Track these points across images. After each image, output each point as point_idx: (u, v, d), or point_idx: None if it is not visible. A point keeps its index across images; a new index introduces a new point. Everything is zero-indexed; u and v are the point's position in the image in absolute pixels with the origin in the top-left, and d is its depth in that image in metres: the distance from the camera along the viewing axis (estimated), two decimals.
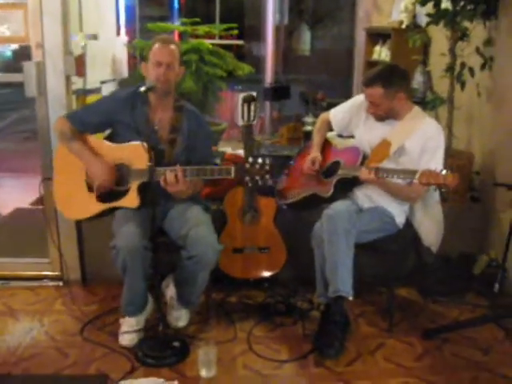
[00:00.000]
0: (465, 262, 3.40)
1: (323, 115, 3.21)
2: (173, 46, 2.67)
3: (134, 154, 2.59)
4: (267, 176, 2.45)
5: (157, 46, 2.66)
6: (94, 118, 2.74)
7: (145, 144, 2.49)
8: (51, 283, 3.36)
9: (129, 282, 2.65)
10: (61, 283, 3.35)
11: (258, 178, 2.45)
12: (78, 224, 3.29)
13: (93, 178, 2.68)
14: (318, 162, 2.95)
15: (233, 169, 2.50)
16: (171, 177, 2.51)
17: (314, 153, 3.01)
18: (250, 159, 2.45)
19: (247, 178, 2.46)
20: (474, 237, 3.47)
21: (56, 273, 3.37)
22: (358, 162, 2.81)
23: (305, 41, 11.08)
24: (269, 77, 5.76)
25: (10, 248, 3.66)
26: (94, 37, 3.56)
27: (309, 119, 4.70)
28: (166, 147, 2.72)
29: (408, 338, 2.85)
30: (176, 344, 2.69)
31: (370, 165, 2.73)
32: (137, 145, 2.58)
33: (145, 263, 2.58)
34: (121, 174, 2.68)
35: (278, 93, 5.15)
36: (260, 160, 2.45)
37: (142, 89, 2.49)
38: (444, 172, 2.41)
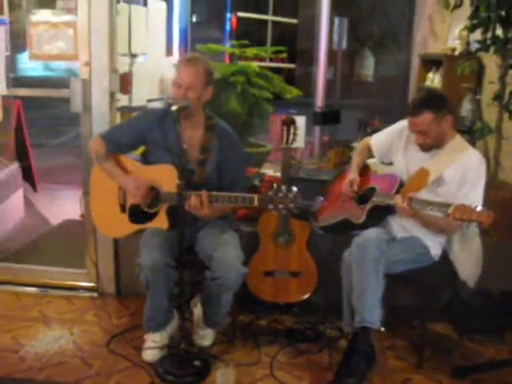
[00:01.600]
0: (506, 299, 3.23)
1: (365, 140, 3.16)
2: (198, 66, 2.62)
3: (164, 176, 2.62)
4: (291, 205, 2.41)
5: (180, 65, 2.66)
6: (127, 138, 2.78)
7: (174, 167, 2.52)
8: (86, 294, 3.44)
9: (151, 298, 2.68)
10: (96, 294, 3.43)
11: (281, 206, 2.41)
12: (115, 238, 3.36)
13: (128, 194, 2.73)
14: (356, 183, 2.90)
15: (256, 197, 2.48)
16: (196, 202, 2.52)
17: (352, 174, 2.96)
18: (275, 187, 2.43)
19: (271, 207, 2.43)
20: None
21: (92, 284, 3.45)
22: (393, 189, 2.74)
23: (368, 66, 11.02)
24: (319, 101, 5.74)
25: (53, 257, 3.79)
26: (142, 56, 3.67)
27: (357, 144, 4.63)
28: (195, 167, 2.73)
29: (437, 375, 2.72)
30: (197, 363, 2.68)
31: (405, 193, 2.65)
32: (166, 167, 2.61)
33: (168, 281, 2.61)
34: (151, 196, 2.71)
35: (328, 117, 5.12)
36: (284, 188, 2.41)
37: (174, 108, 2.51)
38: (479, 208, 2.31)
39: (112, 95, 3.22)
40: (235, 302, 2.82)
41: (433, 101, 2.64)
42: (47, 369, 2.67)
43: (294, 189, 2.44)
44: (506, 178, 3.50)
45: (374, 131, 4.53)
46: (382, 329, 3.03)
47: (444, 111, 2.63)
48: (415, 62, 5.23)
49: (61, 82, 3.31)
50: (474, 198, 2.56)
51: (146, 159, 2.85)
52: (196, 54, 2.75)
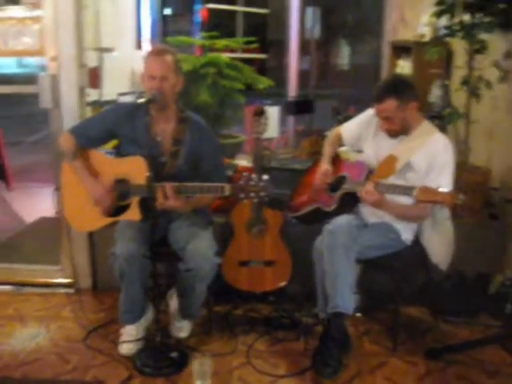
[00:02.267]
0: (480, 281, 3.28)
1: (336, 129, 3.18)
2: (167, 57, 2.61)
3: (134, 168, 2.60)
4: (262, 193, 2.43)
5: (149, 58, 2.63)
6: (96, 132, 2.75)
7: (143, 159, 2.52)
8: (63, 290, 3.43)
9: (126, 289, 2.68)
10: (72, 290, 3.42)
11: (253, 195, 2.43)
12: (91, 233, 3.35)
13: (94, 201, 2.72)
14: (329, 174, 2.92)
15: (227, 186, 2.48)
16: (160, 194, 2.52)
17: (325, 165, 2.98)
18: (245, 176, 2.44)
19: (242, 196, 2.44)
20: (491, 255, 3.34)
21: (68, 280, 3.44)
22: (362, 176, 2.77)
23: (343, 55, 11.05)
24: (292, 91, 5.75)
25: (28, 255, 3.78)
26: (111, 50, 3.64)
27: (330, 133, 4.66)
28: (168, 159, 2.73)
29: (412, 357, 2.77)
30: (174, 355, 2.69)
31: (373, 180, 2.68)
32: (136, 159, 2.60)
33: (142, 271, 2.61)
34: (122, 188, 2.69)
35: (301, 107, 5.12)
36: (255, 177, 2.43)
37: (141, 100, 2.50)
38: (442, 189, 2.34)
39: (81, 90, 3.20)
40: (210, 293, 2.84)
41: (396, 87, 2.65)
42: (24, 366, 2.66)
43: (265, 177, 2.45)
44: (476, 162, 3.54)
45: (347, 119, 4.57)
46: (358, 314, 3.10)
47: (408, 97, 2.65)
48: (386, 50, 5.25)
49: (34, 79, 3.28)
50: (442, 181, 2.58)
51: (118, 153, 2.84)
52: (163, 45, 2.74)
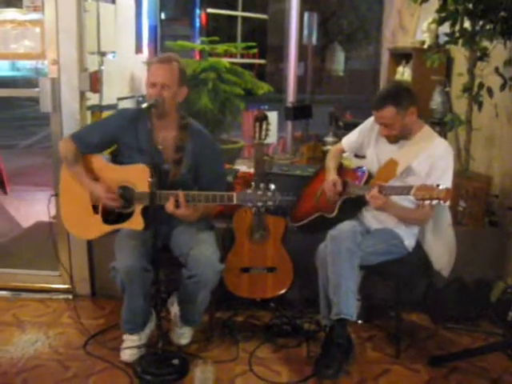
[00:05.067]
0: (481, 288, 3.28)
1: (336, 146, 3.21)
2: (171, 66, 2.60)
3: (138, 175, 2.58)
4: (270, 202, 2.42)
5: (154, 65, 2.62)
6: (97, 139, 2.73)
7: (147, 167, 2.50)
8: (61, 296, 3.39)
9: (128, 301, 2.66)
10: (70, 296, 3.38)
11: (260, 204, 2.43)
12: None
13: (98, 200, 2.69)
14: (338, 183, 2.85)
15: (235, 196, 2.47)
16: (172, 202, 2.51)
17: (333, 176, 2.92)
18: (253, 185, 2.44)
19: (250, 205, 2.44)
20: (491, 262, 3.35)
21: (66, 286, 3.40)
22: (362, 181, 2.77)
23: (338, 61, 11.07)
24: (290, 96, 5.76)
25: (25, 260, 3.73)
26: (111, 54, 3.62)
27: (329, 139, 4.67)
28: (171, 167, 2.70)
29: (414, 364, 2.76)
30: (175, 361, 2.66)
31: (374, 183, 2.68)
32: (140, 167, 2.58)
33: (144, 284, 2.59)
34: (125, 195, 2.67)
35: (299, 112, 5.12)
36: (262, 186, 2.42)
37: (144, 105, 2.49)
38: (439, 187, 2.37)
39: (82, 94, 3.18)
40: (212, 299, 2.82)
41: (394, 94, 2.67)
42: (23, 373, 2.62)
43: (272, 186, 2.45)
44: (477, 169, 3.55)
45: (346, 125, 4.58)
46: (360, 321, 3.09)
47: (406, 104, 2.66)
48: (385, 56, 5.27)
49: (27, 82, 3.26)
50: (443, 185, 2.58)
51: (116, 159, 2.81)
52: (169, 53, 2.72)
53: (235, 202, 2.46)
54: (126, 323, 2.74)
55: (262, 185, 2.42)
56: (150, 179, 2.47)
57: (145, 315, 2.75)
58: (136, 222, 2.63)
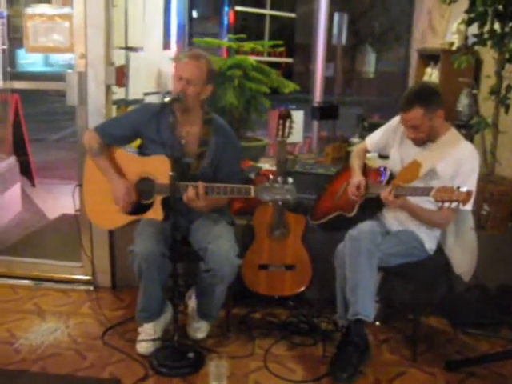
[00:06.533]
0: (504, 294, 3.23)
1: (360, 144, 3.18)
2: (199, 63, 2.63)
3: (159, 167, 2.61)
4: (288, 196, 2.42)
5: (182, 60, 2.65)
6: (121, 131, 2.78)
7: (167, 158, 2.52)
8: (82, 287, 3.44)
9: (144, 287, 2.68)
10: (91, 287, 3.43)
11: (278, 197, 2.43)
12: (111, 231, 3.36)
13: (116, 198, 2.72)
14: (362, 186, 2.80)
15: (252, 188, 2.48)
16: (192, 193, 2.52)
17: (358, 176, 2.86)
18: (271, 178, 2.44)
19: (267, 198, 2.44)
20: None
21: (87, 277, 3.45)
22: (384, 182, 2.75)
23: (369, 62, 11.00)
24: (317, 96, 5.74)
25: (49, 251, 3.79)
26: (138, 49, 3.66)
27: (355, 139, 4.65)
28: (192, 160, 2.74)
29: (431, 368, 2.72)
30: (191, 355, 2.68)
31: (393, 183, 2.66)
32: (161, 158, 2.60)
33: (161, 270, 2.61)
34: (146, 187, 2.70)
35: (326, 112, 5.10)
36: (280, 179, 2.42)
37: (167, 99, 2.51)
38: (459, 189, 2.35)
39: (108, 88, 3.22)
40: (230, 295, 2.83)
41: (423, 96, 2.62)
42: (41, 360, 2.67)
43: (290, 180, 2.45)
44: (502, 172, 3.49)
45: (372, 125, 4.54)
46: (377, 323, 3.07)
47: (434, 105, 2.62)
48: (414, 57, 5.22)
49: (60, 77, 3.31)
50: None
51: (142, 152, 2.84)
52: (200, 50, 2.75)
53: (252, 194, 2.46)
54: (141, 311, 2.76)
55: (280, 179, 2.42)
56: (170, 173, 2.49)
57: (160, 304, 2.76)
58: (156, 213, 2.65)
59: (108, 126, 2.84)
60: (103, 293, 3.38)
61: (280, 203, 2.48)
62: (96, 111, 3.21)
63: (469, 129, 3.56)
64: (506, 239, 3.29)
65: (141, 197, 2.72)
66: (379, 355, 2.83)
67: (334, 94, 7.24)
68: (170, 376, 2.59)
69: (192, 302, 2.94)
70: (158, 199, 2.64)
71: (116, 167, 2.76)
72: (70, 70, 3.18)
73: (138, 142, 2.89)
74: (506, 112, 3.24)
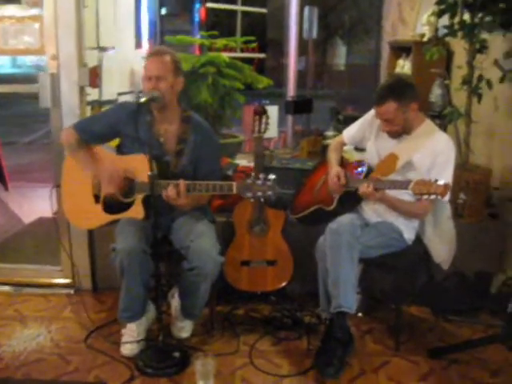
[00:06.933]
0: (481, 280, 3.29)
1: (337, 138, 3.19)
2: (164, 57, 2.63)
3: (138, 166, 2.61)
4: (269, 192, 2.43)
5: (147, 59, 2.66)
6: (99, 128, 2.76)
7: (147, 157, 2.51)
8: (63, 291, 3.41)
9: (126, 285, 2.66)
10: (72, 291, 3.40)
11: (260, 194, 2.44)
12: (90, 233, 3.34)
13: (103, 183, 2.71)
14: (342, 176, 2.82)
15: (235, 185, 2.48)
16: (173, 191, 2.52)
17: (336, 168, 2.88)
18: (252, 175, 2.44)
19: (249, 194, 2.45)
20: (492, 254, 3.35)
21: (68, 280, 3.42)
22: (362, 174, 2.77)
23: (339, 55, 11.05)
24: (291, 90, 5.75)
25: (27, 255, 3.75)
26: (110, 49, 3.62)
27: (329, 133, 4.68)
28: (172, 158, 2.73)
29: (414, 356, 2.76)
30: (176, 355, 2.68)
31: (372, 177, 2.69)
32: (140, 157, 2.60)
33: (143, 267, 2.60)
34: (126, 185, 2.69)
35: (300, 106, 5.13)
36: (262, 176, 2.43)
37: (143, 99, 2.50)
38: (437, 182, 2.37)
39: (81, 89, 3.19)
40: (214, 292, 2.83)
41: (396, 89, 2.64)
42: (25, 366, 2.64)
43: (272, 176, 2.46)
44: (476, 161, 3.55)
45: (346, 118, 4.58)
46: (360, 314, 3.10)
47: (408, 99, 2.64)
48: (385, 50, 5.27)
49: (28, 79, 3.26)
50: (444, 180, 2.58)
51: (120, 151, 2.83)
52: (161, 46, 2.76)
53: (234, 191, 2.47)
54: (123, 311, 2.74)
55: (261, 175, 2.42)
56: (149, 172, 2.48)
57: (142, 303, 2.75)
58: (137, 211, 2.65)
59: (85, 123, 2.83)
60: (84, 296, 3.35)
61: (262, 200, 2.48)
62: (70, 113, 3.18)
63: (442, 119, 3.61)
64: (482, 227, 3.35)
65: (121, 195, 2.71)
66: (363, 346, 2.87)
67: (307, 87, 7.26)
68: (156, 376, 2.58)
69: (175, 302, 2.93)
70: (139, 198, 2.64)
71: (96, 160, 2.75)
72: (41, 72, 3.13)
73: (116, 141, 2.87)
74: (479, 101, 3.29)
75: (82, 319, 3.08)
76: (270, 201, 2.52)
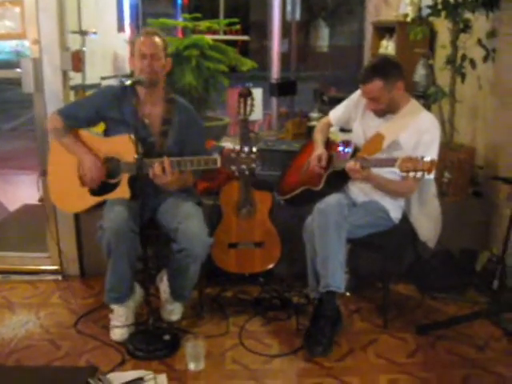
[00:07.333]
0: (467, 257, 3.34)
1: (323, 119, 3.20)
2: (157, 38, 2.69)
3: (123, 146, 2.61)
4: (253, 165, 2.45)
5: (141, 38, 2.69)
6: (84, 113, 2.76)
7: (132, 136, 2.51)
8: (50, 277, 3.39)
9: (113, 265, 2.65)
10: (60, 277, 3.39)
11: (244, 166, 2.45)
12: (77, 218, 3.32)
13: (84, 173, 2.71)
14: (324, 158, 2.88)
15: (219, 158, 2.49)
16: (158, 169, 2.53)
17: (320, 149, 2.94)
18: (237, 148, 2.45)
19: (234, 168, 2.46)
20: (476, 232, 3.40)
21: (55, 267, 3.40)
22: (348, 154, 2.79)
23: (322, 37, 11.02)
24: (275, 73, 5.73)
25: (13, 243, 3.72)
26: (93, 33, 3.58)
27: (314, 114, 4.69)
28: (157, 139, 2.74)
29: (402, 334, 2.81)
30: (167, 337, 2.69)
31: (358, 156, 2.70)
32: (125, 137, 2.61)
33: (131, 246, 2.59)
34: (112, 166, 2.70)
35: (284, 88, 5.12)
36: (246, 149, 2.44)
37: (128, 82, 2.49)
38: (423, 158, 2.40)
39: (64, 74, 3.15)
40: (203, 274, 2.84)
41: (382, 68, 2.66)
42: (16, 353, 2.64)
43: (255, 149, 2.47)
44: (461, 140, 3.58)
45: (331, 99, 4.58)
46: (348, 293, 3.13)
47: (394, 78, 2.66)
48: (368, 31, 5.26)
49: (7, 65, 3.21)
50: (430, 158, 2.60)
51: (107, 136, 2.82)
52: (150, 27, 2.78)
53: (219, 164, 2.49)
54: (110, 291, 2.73)
55: (245, 148, 2.43)
56: (136, 155, 2.48)
57: (129, 284, 2.74)
58: (123, 191, 2.65)
59: (70, 109, 2.82)
60: (72, 281, 3.35)
61: (246, 173, 2.49)
62: (53, 97, 3.14)
63: (426, 99, 3.63)
64: (466, 205, 3.40)
65: (107, 176, 2.70)
66: (351, 325, 2.91)
67: (290, 69, 7.23)
68: (147, 359, 2.59)
69: (163, 285, 2.93)
70: (125, 178, 2.64)
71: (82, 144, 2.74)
72: (21, 58, 3.09)
73: (102, 126, 2.86)
74: (462, 81, 3.31)
75: (71, 305, 3.08)
76: (254, 173, 2.54)
